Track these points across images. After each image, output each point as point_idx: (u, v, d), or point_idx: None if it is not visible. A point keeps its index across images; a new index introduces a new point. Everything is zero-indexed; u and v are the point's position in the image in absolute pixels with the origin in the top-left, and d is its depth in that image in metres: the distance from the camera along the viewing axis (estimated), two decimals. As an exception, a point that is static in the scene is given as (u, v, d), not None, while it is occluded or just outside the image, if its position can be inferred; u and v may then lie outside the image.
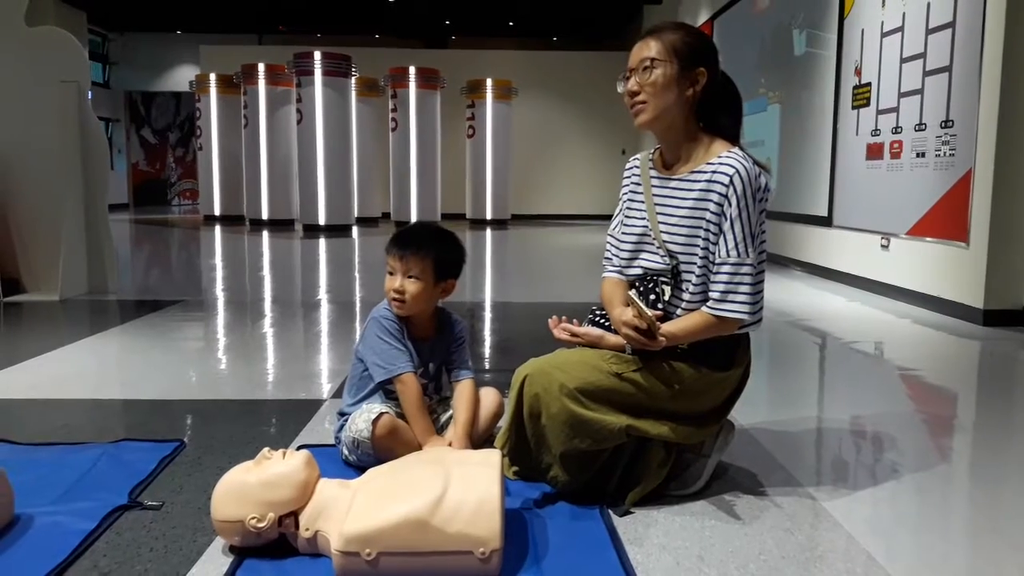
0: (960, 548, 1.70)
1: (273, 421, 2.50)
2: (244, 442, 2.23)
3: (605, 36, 17.54)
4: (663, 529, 1.68)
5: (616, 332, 1.81)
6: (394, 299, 2.03)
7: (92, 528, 1.62)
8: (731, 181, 1.75)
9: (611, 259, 2.00)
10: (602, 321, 1.91)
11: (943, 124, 4.76)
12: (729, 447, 1.98)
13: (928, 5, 4.95)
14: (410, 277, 2.02)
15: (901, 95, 5.26)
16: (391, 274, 2.05)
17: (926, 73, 4.96)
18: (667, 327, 1.74)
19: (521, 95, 14.11)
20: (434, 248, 2.04)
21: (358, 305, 5.02)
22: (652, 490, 1.80)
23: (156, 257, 8.52)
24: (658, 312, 1.79)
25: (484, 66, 14.78)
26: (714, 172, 1.78)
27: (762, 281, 1.80)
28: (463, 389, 2.09)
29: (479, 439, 2.07)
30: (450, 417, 2.09)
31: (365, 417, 1.94)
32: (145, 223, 13.55)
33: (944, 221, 4.75)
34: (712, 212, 1.77)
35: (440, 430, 2.09)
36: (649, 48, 1.80)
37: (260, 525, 1.49)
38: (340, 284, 6.25)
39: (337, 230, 11.29)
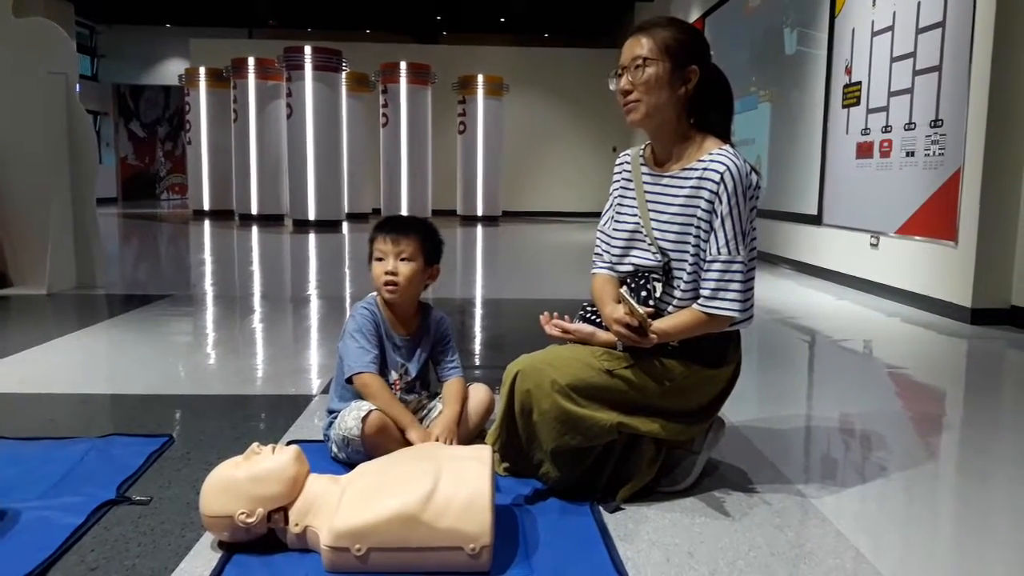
0: (947, 544, 1.71)
1: (262, 416, 2.49)
2: (233, 437, 2.22)
3: (596, 33, 17.55)
4: (653, 526, 1.68)
5: (607, 329, 1.81)
6: (387, 283, 2.03)
7: (80, 523, 1.60)
8: (722, 178, 1.75)
9: (601, 255, 2.00)
10: (593, 318, 1.91)
11: (932, 123, 4.78)
12: (719, 444, 1.98)
13: (918, 4, 4.97)
14: (403, 259, 2.02)
15: (891, 94, 5.29)
16: (380, 260, 2.05)
17: (916, 72, 4.99)
18: (658, 324, 1.74)
19: (512, 91, 14.10)
20: (423, 230, 2.10)
21: (348, 300, 5.01)
22: (642, 487, 1.80)
23: (144, 251, 8.46)
24: (649, 309, 1.79)
25: (475, 62, 14.75)
26: (705, 169, 1.78)
27: (753, 279, 1.81)
28: (451, 386, 2.10)
29: (470, 435, 2.07)
30: (439, 414, 2.07)
31: (354, 415, 1.92)
32: (133, 217, 13.47)
33: (933, 220, 4.77)
34: (703, 209, 1.77)
35: (427, 426, 2.08)
36: (641, 46, 1.80)
37: (249, 520, 1.48)
38: (330, 279, 6.23)
39: (327, 225, 11.25)
